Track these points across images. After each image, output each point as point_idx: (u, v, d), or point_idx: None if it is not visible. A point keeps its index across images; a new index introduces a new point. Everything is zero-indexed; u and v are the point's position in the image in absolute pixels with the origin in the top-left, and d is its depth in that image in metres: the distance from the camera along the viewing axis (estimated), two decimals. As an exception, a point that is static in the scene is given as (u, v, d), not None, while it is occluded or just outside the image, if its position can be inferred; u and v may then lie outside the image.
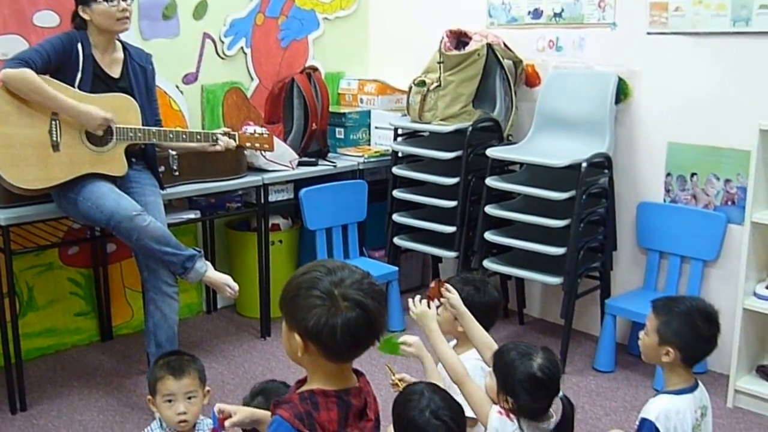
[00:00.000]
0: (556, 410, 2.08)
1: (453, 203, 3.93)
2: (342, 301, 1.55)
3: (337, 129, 4.46)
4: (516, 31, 4.08)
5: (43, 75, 3.01)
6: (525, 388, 2.00)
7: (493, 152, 3.75)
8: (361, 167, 4.27)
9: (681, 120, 3.59)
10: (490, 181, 3.74)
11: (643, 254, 3.80)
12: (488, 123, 3.95)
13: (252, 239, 4.01)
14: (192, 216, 3.73)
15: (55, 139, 3.05)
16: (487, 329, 2.37)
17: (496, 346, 2.20)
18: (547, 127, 3.86)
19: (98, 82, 3.15)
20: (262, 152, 3.78)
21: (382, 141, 4.41)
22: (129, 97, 3.19)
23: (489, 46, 3.94)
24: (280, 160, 3.94)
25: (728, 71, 3.42)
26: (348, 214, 4.17)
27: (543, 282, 3.73)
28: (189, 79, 4.10)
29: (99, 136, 3.10)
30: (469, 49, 3.92)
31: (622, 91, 3.72)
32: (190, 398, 2.36)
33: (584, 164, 3.47)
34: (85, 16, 3.10)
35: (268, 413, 1.72)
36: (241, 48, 4.26)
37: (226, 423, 1.86)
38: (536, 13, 4.00)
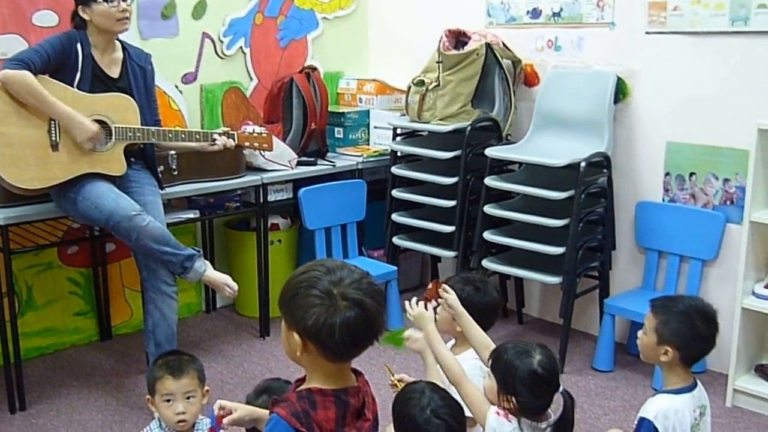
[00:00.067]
0: (554, 410, 2.08)
1: (452, 203, 3.93)
2: (341, 300, 1.55)
3: (336, 129, 4.47)
4: (515, 31, 4.08)
5: (42, 75, 3.02)
6: (526, 385, 2.00)
7: (492, 152, 3.75)
8: (360, 167, 4.27)
9: (680, 119, 3.59)
10: (489, 181, 3.74)
11: (642, 254, 3.80)
12: (487, 122, 3.95)
13: (251, 239, 4.01)
14: (191, 216, 3.73)
15: (54, 138, 3.05)
16: (485, 329, 2.37)
17: (494, 346, 2.20)
18: (545, 127, 3.86)
19: (97, 82, 3.15)
20: (261, 152, 3.78)
21: (381, 141, 4.41)
22: (128, 96, 3.19)
23: (488, 45, 3.94)
24: (279, 159, 3.94)
25: (727, 71, 3.42)
26: (347, 214, 4.17)
27: (542, 281, 3.74)
28: (188, 78, 4.10)
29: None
30: (468, 48, 3.92)
31: (620, 91, 3.72)
32: (189, 398, 2.36)
33: (583, 164, 3.47)
34: (85, 17, 3.10)
35: (267, 412, 1.72)
36: (240, 48, 4.26)
37: (226, 420, 1.86)
38: (535, 13, 4.00)
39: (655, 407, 2.15)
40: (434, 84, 3.93)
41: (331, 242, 4.12)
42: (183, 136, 3.37)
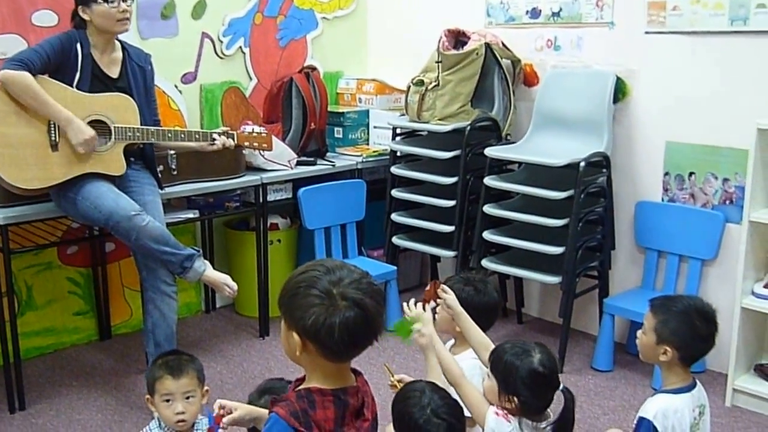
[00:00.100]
0: (554, 409, 2.08)
1: (451, 203, 3.93)
2: (340, 300, 1.55)
3: (335, 128, 4.47)
4: (514, 31, 4.08)
5: (41, 75, 3.02)
6: (527, 384, 2.01)
7: (492, 152, 3.75)
8: (359, 167, 4.27)
9: (679, 119, 3.59)
10: (489, 181, 3.74)
11: (642, 253, 3.80)
12: (486, 122, 3.96)
13: (251, 239, 4.01)
14: (191, 215, 3.73)
15: (53, 138, 3.05)
16: (485, 330, 2.37)
17: (493, 346, 2.21)
18: (545, 127, 3.86)
19: (97, 82, 3.15)
20: (261, 152, 3.78)
21: (381, 140, 4.42)
22: (127, 96, 3.19)
23: (487, 45, 3.94)
24: (279, 159, 3.95)
25: (726, 70, 3.42)
26: (347, 214, 4.17)
27: (541, 281, 3.74)
28: (188, 78, 4.10)
29: (98, 136, 3.10)
30: (467, 48, 3.92)
31: (620, 91, 3.72)
32: (188, 398, 2.36)
33: (582, 163, 3.47)
34: (85, 17, 3.10)
35: (267, 411, 1.72)
36: (240, 47, 4.26)
37: (226, 419, 1.86)
38: (534, 13, 4.00)
39: (655, 407, 2.16)
40: (434, 84, 3.93)
41: (330, 242, 4.12)
42: (182, 135, 3.37)
